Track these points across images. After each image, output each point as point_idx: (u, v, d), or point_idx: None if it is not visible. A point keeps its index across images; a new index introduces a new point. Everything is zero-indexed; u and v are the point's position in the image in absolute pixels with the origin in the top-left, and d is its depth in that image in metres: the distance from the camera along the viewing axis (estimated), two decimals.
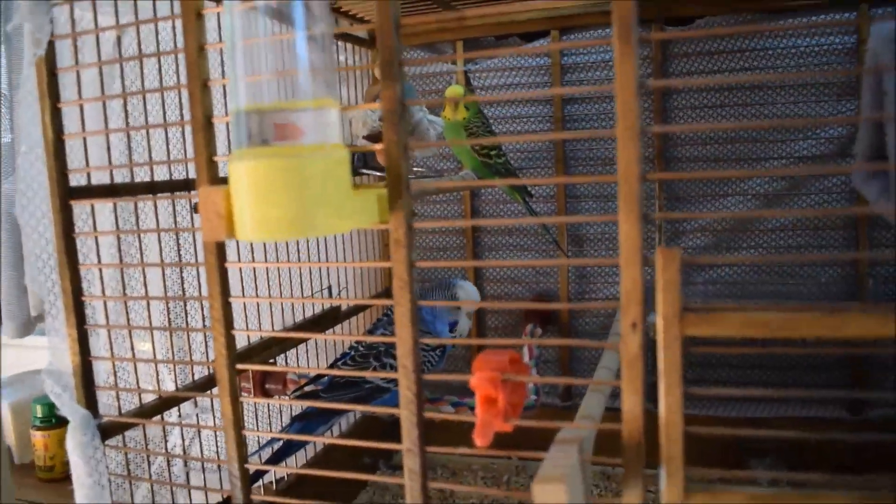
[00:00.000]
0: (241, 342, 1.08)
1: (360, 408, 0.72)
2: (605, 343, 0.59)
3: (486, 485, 1.45)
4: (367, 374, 0.81)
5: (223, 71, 1.00)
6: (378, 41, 0.57)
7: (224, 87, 0.91)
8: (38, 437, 1.35)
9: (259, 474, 1.05)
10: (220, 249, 0.68)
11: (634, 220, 0.53)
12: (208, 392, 0.97)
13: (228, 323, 0.70)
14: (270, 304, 1.17)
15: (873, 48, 0.95)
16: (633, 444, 0.56)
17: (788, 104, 1.44)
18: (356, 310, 1.45)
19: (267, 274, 1.18)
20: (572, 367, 1.61)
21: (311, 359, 1.36)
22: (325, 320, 1.33)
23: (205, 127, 0.67)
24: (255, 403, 1.19)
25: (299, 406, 1.11)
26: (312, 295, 1.33)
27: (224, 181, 0.60)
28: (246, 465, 0.72)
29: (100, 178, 0.85)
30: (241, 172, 0.53)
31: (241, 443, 0.72)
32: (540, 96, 1.59)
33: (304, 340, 1.28)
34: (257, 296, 1.13)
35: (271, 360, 1.15)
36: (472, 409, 1.14)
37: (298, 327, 1.24)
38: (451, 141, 1.32)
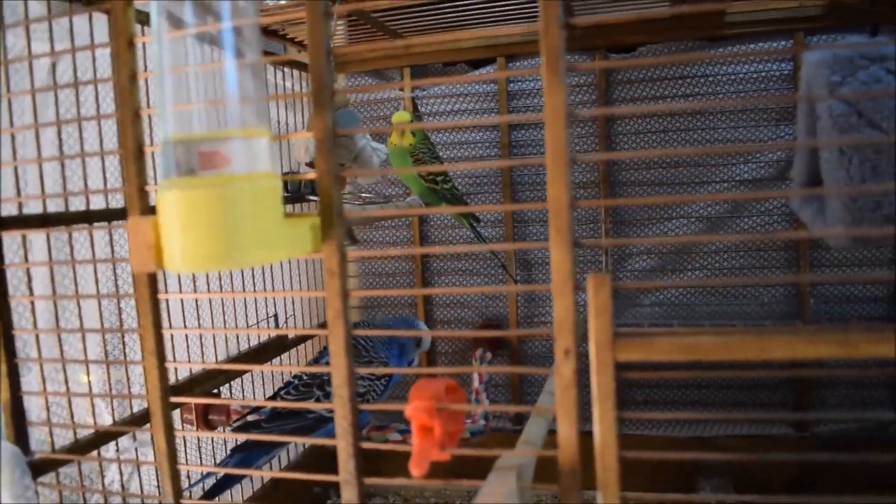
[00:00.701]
0: (185, 373, 1.07)
1: (297, 439, 0.71)
2: (547, 370, 0.59)
3: None
4: (309, 405, 0.80)
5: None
6: (309, 69, 0.57)
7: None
8: None
9: None
10: (152, 280, 0.66)
11: (565, 248, 0.53)
12: (146, 426, 0.95)
13: (161, 355, 0.68)
14: (214, 334, 1.16)
15: (805, 74, 0.98)
16: (569, 470, 0.56)
17: (729, 129, 1.48)
18: (304, 338, 1.43)
19: (210, 302, 1.16)
20: (522, 391, 1.62)
21: (257, 388, 1.34)
22: (271, 348, 1.31)
23: (136, 156, 0.65)
24: (198, 434, 1.17)
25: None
26: (258, 324, 1.31)
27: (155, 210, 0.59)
28: (181, 501, 0.70)
29: (32, 208, 0.83)
30: (167, 203, 0.52)
31: (176, 477, 0.70)
32: (480, 124, 1.60)
33: (248, 371, 1.26)
34: (200, 325, 1.11)
35: (215, 390, 1.13)
36: None
37: (244, 356, 1.22)
38: (397, 170, 1.32)
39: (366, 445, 0.62)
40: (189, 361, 1.10)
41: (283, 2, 1.13)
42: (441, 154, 1.60)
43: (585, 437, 0.55)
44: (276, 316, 1.37)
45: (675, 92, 1.49)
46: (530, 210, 1.60)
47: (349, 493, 0.62)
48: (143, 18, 0.91)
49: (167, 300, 1.06)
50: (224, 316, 1.20)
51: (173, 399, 0.71)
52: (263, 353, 1.28)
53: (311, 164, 1.20)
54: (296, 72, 1.53)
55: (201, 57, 0.55)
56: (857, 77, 0.83)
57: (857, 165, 0.78)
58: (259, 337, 1.27)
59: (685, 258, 1.53)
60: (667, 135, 1.50)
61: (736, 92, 1.48)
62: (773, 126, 1.46)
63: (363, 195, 1.54)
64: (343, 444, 0.61)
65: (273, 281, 1.38)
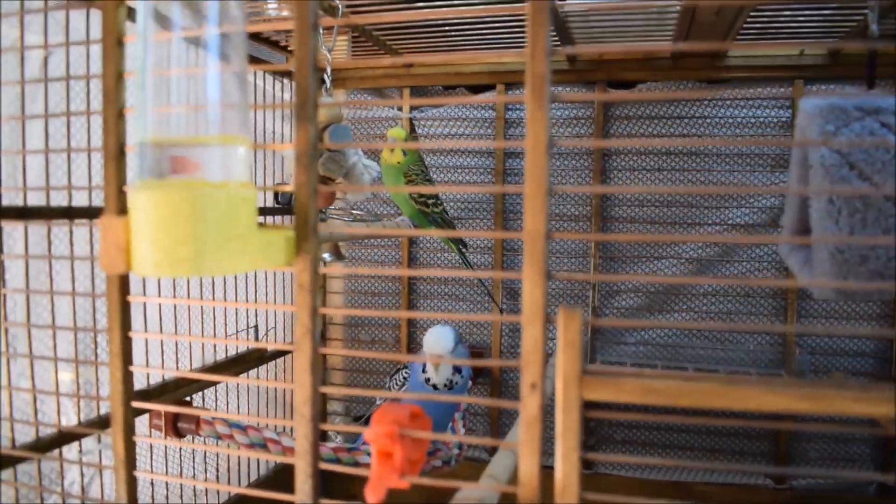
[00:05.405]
0: (156, 379, 1.05)
1: (260, 455, 0.69)
2: (517, 404, 0.58)
3: None
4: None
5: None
6: (294, 78, 0.56)
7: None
8: None
9: None
10: (123, 281, 0.65)
11: (538, 278, 0.52)
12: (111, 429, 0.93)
13: (126, 358, 0.67)
14: (190, 341, 1.14)
15: (800, 123, 0.98)
16: None
17: (724, 172, 1.47)
18: (283, 352, 1.42)
19: (189, 311, 1.15)
20: (501, 421, 1.60)
21: (231, 399, 1.33)
22: (248, 360, 1.29)
23: (117, 156, 0.64)
24: (166, 441, 1.15)
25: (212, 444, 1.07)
26: (237, 335, 1.29)
27: None
28: None
29: (12, 200, 0.82)
30: (137, 203, 0.51)
31: (132, 484, 0.69)
32: (470, 146, 1.60)
33: (220, 382, 1.25)
34: (176, 332, 1.10)
35: (187, 399, 1.12)
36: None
37: (219, 366, 1.20)
38: (388, 187, 1.31)
39: (324, 466, 0.61)
40: (158, 367, 1.08)
41: (284, 13, 1.13)
42: (435, 177, 1.59)
43: (548, 472, 0.54)
44: (256, 327, 1.35)
45: (673, 132, 1.49)
46: (521, 238, 1.59)
47: None
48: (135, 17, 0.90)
49: (144, 305, 1.04)
50: (203, 325, 1.19)
51: (136, 404, 0.69)
52: (240, 364, 1.26)
53: None
54: (290, 83, 1.53)
55: (186, 60, 0.54)
56: (851, 128, 0.82)
57: (846, 217, 0.77)
58: (237, 348, 1.26)
59: (672, 299, 1.52)
60: (661, 174, 1.50)
61: (732, 136, 1.48)
62: (768, 172, 1.46)
63: (354, 212, 1.53)
64: (301, 463, 0.59)
65: (256, 295, 1.37)
